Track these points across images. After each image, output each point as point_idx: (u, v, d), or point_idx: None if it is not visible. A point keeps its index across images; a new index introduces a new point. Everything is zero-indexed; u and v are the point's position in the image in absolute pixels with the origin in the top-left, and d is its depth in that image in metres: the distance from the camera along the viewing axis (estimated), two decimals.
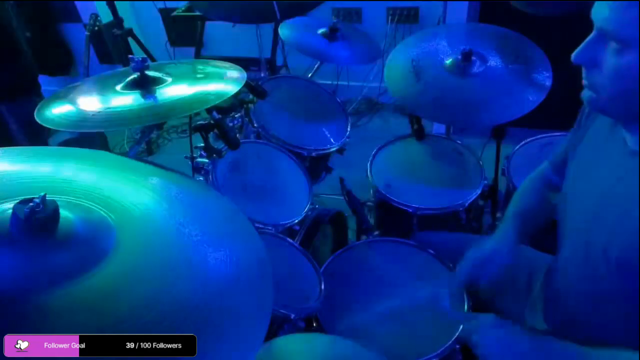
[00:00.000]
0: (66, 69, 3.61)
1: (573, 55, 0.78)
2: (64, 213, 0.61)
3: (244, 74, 1.12)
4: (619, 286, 0.81)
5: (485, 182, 1.58)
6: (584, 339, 0.83)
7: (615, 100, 0.77)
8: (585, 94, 0.81)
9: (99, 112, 0.97)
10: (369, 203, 1.67)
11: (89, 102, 1.01)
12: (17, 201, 0.59)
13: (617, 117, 0.83)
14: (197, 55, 3.23)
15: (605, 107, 0.81)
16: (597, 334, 0.87)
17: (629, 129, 0.81)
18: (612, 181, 0.83)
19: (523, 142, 1.65)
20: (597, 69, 0.76)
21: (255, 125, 1.60)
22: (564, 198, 1.00)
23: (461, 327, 1.07)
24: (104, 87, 1.07)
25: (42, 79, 2.23)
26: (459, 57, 1.49)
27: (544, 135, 1.63)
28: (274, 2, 1.77)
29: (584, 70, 0.80)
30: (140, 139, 1.28)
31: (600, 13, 0.73)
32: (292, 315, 1.06)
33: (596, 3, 0.74)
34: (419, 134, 1.70)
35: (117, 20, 2.86)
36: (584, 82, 0.81)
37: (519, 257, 1.10)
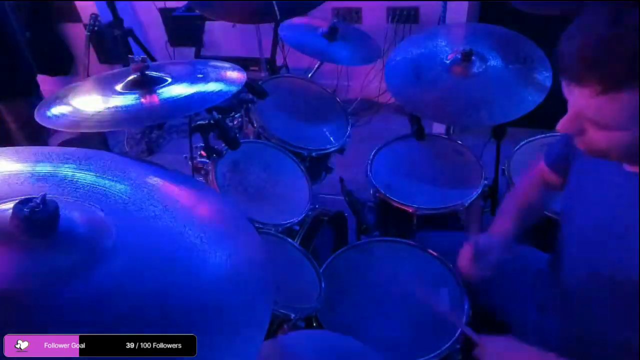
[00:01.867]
0: (66, 69, 3.61)
1: (558, 126, 0.78)
2: (64, 213, 0.61)
3: (244, 74, 1.12)
4: (629, 306, 0.81)
5: (485, 182, 1.57)
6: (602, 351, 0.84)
7: (612, 149, 0.76)
8: (579, 145, 0.81)
9: (99, 112, 0.97)
10: (369, 203, 1.67)
11: (89, 102, 1.01)
12: (17, 201, 0.58)
13: (618, 160, 0.82)
14: (197, 55, 3.23)
15: (602, 156, 0.80)
16: (615, 348, 0.87)
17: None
18: (610, 202, 0.83)
19: (523, 142, 1.65)
20: (584, 135, 0.77)
21: (255, 125, 1.60)
22: (564, 215, 1.00)
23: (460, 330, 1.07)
24: (104, 87, 1.07)
25: (42, 79, 2.23)
26: (459, 57, 1.49)
27: (544, 135, 1.63)
28: (274, 2, 1.76)
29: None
30: (140, 139, 1.28)
31: (575, 99, 0.73)
32: (292, 315, 1.06)
33: (562, 84, 0.74)
34: (419, 134, 1.70)
35: (117, 20, 2.87)
36: (575, 140, 0.81)
37: (516, 253, 1.10)
